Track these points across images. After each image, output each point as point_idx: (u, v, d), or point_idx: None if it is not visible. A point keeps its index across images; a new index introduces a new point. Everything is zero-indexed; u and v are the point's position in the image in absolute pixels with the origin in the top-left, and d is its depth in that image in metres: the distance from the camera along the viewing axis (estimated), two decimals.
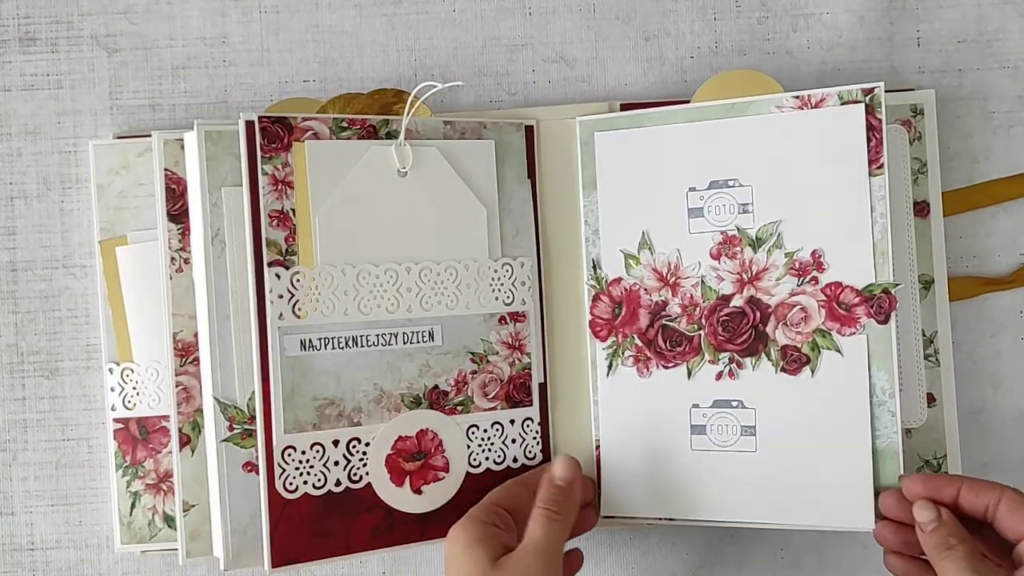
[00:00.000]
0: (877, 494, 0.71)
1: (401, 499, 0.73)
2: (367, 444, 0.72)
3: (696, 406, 0.74)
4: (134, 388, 0.77)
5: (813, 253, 0.72)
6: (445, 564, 0.68)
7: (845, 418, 0.72)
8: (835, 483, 0.72)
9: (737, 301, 0.74)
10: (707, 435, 0.74)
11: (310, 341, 0.70)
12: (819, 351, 0.72)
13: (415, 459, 0.73)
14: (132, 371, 0.77)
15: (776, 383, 0.73)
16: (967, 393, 0.80)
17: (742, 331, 0.74)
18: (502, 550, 0.66)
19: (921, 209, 0.78)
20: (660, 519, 0.75)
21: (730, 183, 0.74)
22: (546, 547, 0.67)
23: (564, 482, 0.71)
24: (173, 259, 0.74)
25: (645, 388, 0.75)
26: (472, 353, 0.75)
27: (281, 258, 0.70)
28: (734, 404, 0.74)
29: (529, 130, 0.78)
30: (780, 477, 0.73)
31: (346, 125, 0.72)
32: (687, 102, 0.76)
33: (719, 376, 0.74)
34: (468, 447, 0.75)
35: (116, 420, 0.77)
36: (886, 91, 0.72)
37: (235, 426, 0.72)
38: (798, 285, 0.73)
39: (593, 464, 0.77)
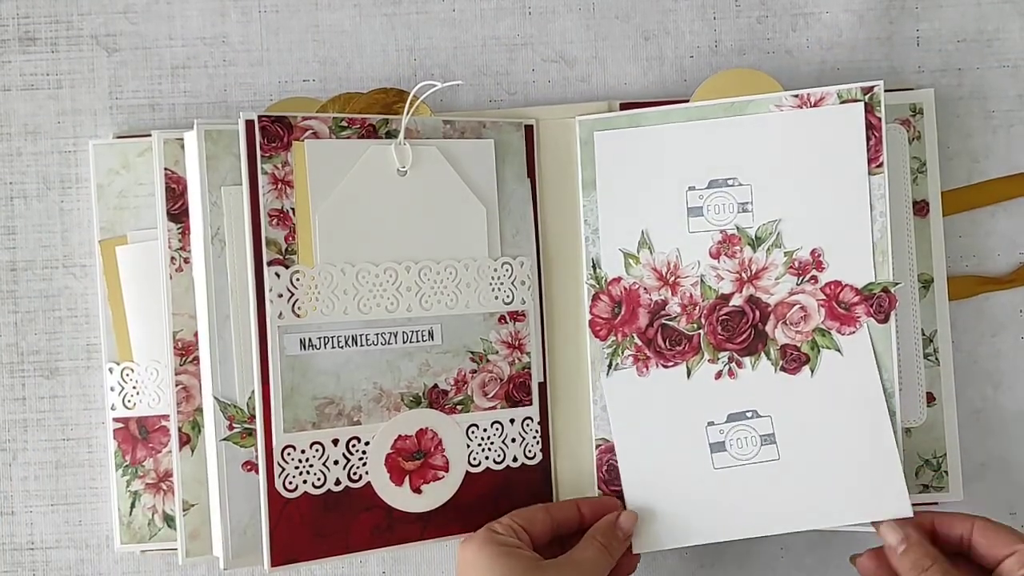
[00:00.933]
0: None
1: (401, 498, 0.73)
2: (367, 443, 0.72)
3: (711, 423, 0.74)
4: (134, 388, 0.77)
5: (812, 252, 0.72)
6: (458, 572, 0.69)
7: (850, 417, 0.72)
8: (863, 479, 0.71)
9: (736, 300, 0.74)
10: (728, 451, 0.74)
11: (310, 340, 0.70)
12: (819, 350, 0.72)
13: (415, 458, 0.73)
14: (132, 371, 0.77)
15: (775, 383, 0.73)
16: (967, 392, 0.80)
17: (741, 330, 0.74)
18: (530, 561, 0.68)
19: (920, 208, 0.78)
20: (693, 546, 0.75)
21: (729, 182, 0.74)
22: (591, 567, 0.69)
23: (623, 532, 0.73)
24: (173, 259, 0.74)
25: (645, 387, 0.75)
26: (472, 352, 0.75)
27: (281, 257, 0.70)
28: (748, 415, 0.74)
29: (529, 130, 0.78)
30: (807, 480, 0.72)
31: (346, 124, 0.72)
32: (687, 101, 0.76)
33: (718, 375, 0.74)
34: (468, 446, 0.75)
35: (116, 420, 0.77)
36: (885, 90, 0.72)
37: (235, 425, 0.72)
38: (798, 284, 0.73)
39: (593, 463, 0.77)
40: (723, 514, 0.74)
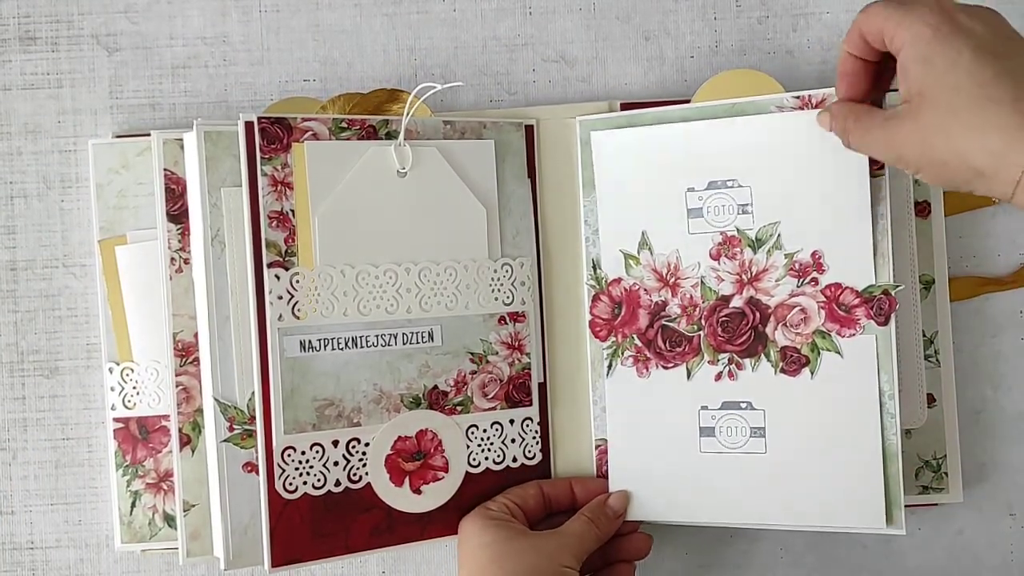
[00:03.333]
0: (885, 495, 0.71)
1: (401, 499, 0.73)
2: (367, 444, 0.72)
3: (705, 408, 0.74)
4: (134, 388, 0.77)
5: (813, 254, 0.72)
6: (458, 549, 0.72)
7: (847, 419, 0.72)
8: (844, 484, 0.72)
9: (737, 302, 0.74)
10: (716, 437, 0.74)
11: (310, 342, 0.70)
12: (819, 352, 0.72)
13: (415, 459, 0.73)
14: (132, 371, 0.77)
15: (775, 384, 0.73)
16: (967, 393, 0.80)
17: (742, 332, 0.74)
18: (516, 531, 0.71)
19: (922, 209, 0.78)
20: (669, 523, 0.76)
21: (729, 183, 0.73)
22: (578, 541, 0.71)
23: (613, 511, 0.75)
24: (173, 259, 0.74)
25: (645, 388, 0.75)
26: (472, 353, 0.75)
27: (281, 259, 0.70)
28: (743, 405, 0.74)
29: (529, 130, 0.78)
30: (790, 478, 0.73)
31: (345, 125, 0.72)
32: (687, 102, 0.75)
33: (718, 376, 0.74)
34: (467, 447, 0.75)
35: (116, 420, 0.77)
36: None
37: (235, 426, 0.72)
38: (798, 286, 0.72)
39: (593, 464, 0.77)
40: (703, 498, 0.74)
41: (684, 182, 0.74)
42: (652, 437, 0.75)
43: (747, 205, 0.73)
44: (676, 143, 0.75)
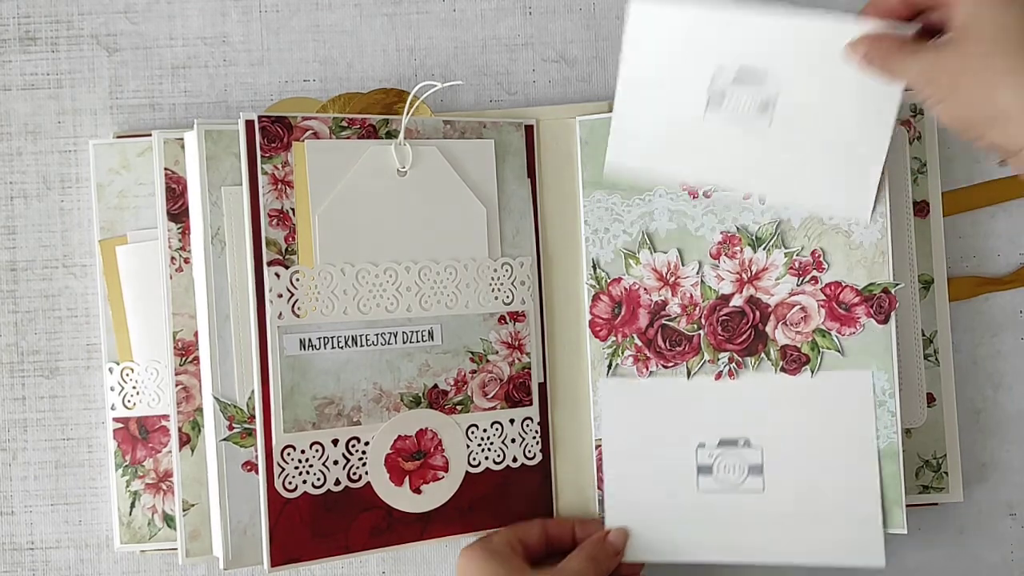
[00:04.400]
0: (884, 494, 0.71)
1: (400, 498, 0.73)
2: (366, 443, 0.72)
3: (702, 445, 0.74)
4: (134, 387, 0.77)
5: (813, 253, 0.72)
6: None
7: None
8: (841, 521, 0.72)
9: (737, 301, 0.74)
10: (713, 476, 0.74)
11: (309, 340, 0.70)
12: (819, 351, 0.72)
13: (414, 458, 0.73)
14: (132, 370, 0.77)
15: (776, 384, 0.73)
16: (967, 393, 0.80)
17: (742, 331, 0.74)
18: (516, 568, 0.70)
19: (921, 209, 0.78)
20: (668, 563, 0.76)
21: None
22: None
23: (612, 548, 0.74)
24: (173, 258, 0.74)
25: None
26: (472, 353, 0.75)
27: (281, 257, 0.70)
28: (740, 443, 0.74)
29: (529, 130, 0.78)
30: (788, 516, 0.73)
31: (346, 125, 0.72)
32: None
33: (719, 376, 0.74)
34: (467, 446, 0.75)
35: (116, 420, 0.77)
36: None
37: (235, 425, 0.72)
38: (798, 285, 0.72)
39: (593, 465, 0.77)
40: (702, 536, 0.74)
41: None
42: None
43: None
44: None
